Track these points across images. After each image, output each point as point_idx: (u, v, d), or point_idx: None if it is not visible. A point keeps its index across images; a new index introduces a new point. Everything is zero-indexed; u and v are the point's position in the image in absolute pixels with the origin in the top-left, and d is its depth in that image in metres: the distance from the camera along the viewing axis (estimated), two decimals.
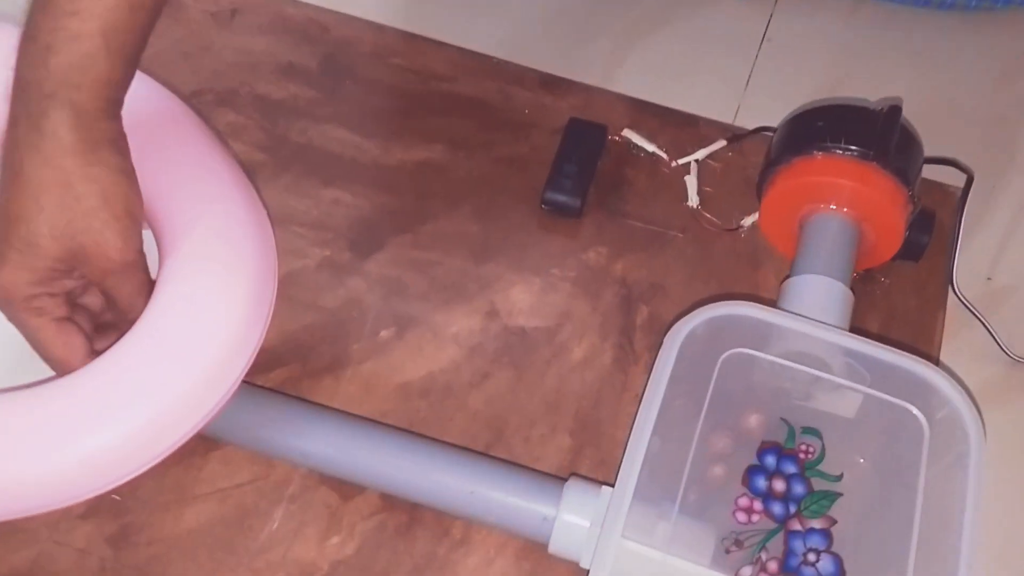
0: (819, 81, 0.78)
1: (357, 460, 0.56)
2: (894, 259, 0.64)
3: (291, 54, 0.76)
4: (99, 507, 0.56)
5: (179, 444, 0.47)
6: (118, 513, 0.56)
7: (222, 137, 0.66)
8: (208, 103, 0.73)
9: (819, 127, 0.61)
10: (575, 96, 0.75)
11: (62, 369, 0.49)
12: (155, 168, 0.52)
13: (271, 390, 0.59)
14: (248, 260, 0.50)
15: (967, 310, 0.65)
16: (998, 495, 0.60)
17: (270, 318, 0.52)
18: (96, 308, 0.51)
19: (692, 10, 0.82)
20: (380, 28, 0.78)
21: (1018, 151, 0.75)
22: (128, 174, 0.48)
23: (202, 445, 0.58)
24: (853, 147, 0.59)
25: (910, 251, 0.63)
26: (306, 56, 0.76)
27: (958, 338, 0.65)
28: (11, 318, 0.48)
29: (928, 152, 0.64)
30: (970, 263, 0.68)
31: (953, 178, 0.70)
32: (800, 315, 0.54)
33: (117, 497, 0.57)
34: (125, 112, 0.49)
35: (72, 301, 0.50)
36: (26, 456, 0.46)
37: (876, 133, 0.59)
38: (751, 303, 0.54)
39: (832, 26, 0.81)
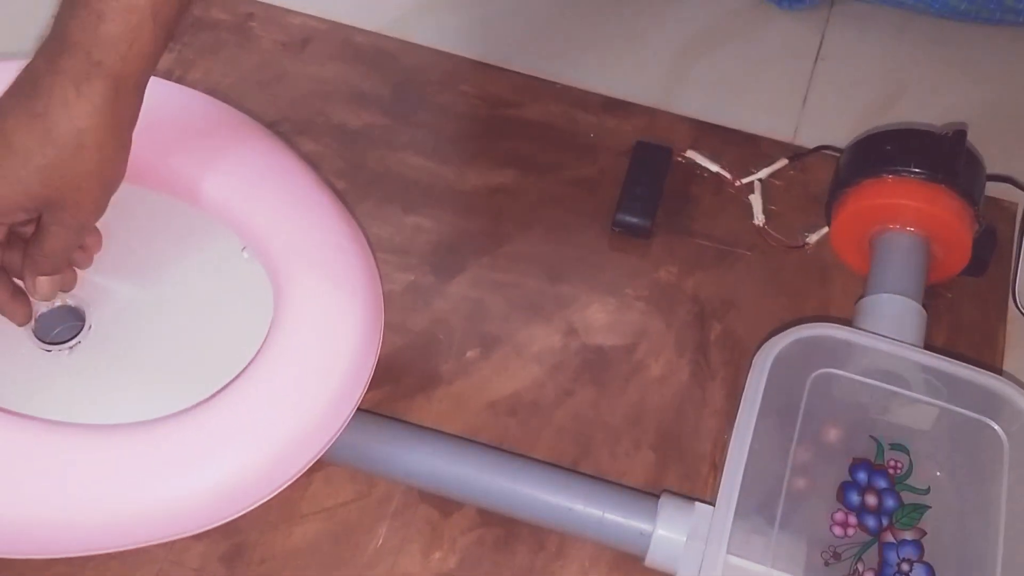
0: (874, 98, 0.80)
1: (457, 477, 0.58)
2: (959, 274, 0.66)
3: (363, 82, 0.79)
4: (211, 528, 0.59)
5: (302, 472, 0.50)
6: (229, 533, 0.59)
7: (316, 168, 0.69)
8: (286, 132, 0.75)
9: (888, 151, 0.63)
10: (637, 118, 0.78)
11: None
12: (264, 199, 0.55)
13: (369, 411, 0.62)
14: (360, 294, 0.53)
15: None
16: None
17: (380, 347, 0.55)
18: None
19: (745, 29, 0.84)
20: (446, 56, 0.80)
21: None
22: (126, 153, 0.51)
23: None
24: (922, 170, 0.61)
25: (974, 267, 0.66)
26: (378, 84, 0.79)
27: (1020, 348, 0.68)
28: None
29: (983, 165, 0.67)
30: None
31: (1008, 193, 0.73)
32: (879, 334, 0.57)
33: None
34: (226, 147, 0.52)
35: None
36: (162, 485, 0.49)
37: (943, 156, 0.62)
38: (835, 324, 0.57)
39: (884, 42, 0.84)
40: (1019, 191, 0.72)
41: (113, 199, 0.52)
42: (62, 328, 0.60)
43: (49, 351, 0.58)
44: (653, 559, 0.55)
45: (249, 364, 0.51)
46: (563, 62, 0.81)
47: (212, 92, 0.72)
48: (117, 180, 0.52)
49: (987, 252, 0.66)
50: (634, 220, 0.71)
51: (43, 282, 0.54)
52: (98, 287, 0.59)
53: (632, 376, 0.66)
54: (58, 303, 0.60)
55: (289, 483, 0.51)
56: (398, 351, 0.66)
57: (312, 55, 0.80)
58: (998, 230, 0.68)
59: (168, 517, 0.49)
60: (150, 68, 0.51)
